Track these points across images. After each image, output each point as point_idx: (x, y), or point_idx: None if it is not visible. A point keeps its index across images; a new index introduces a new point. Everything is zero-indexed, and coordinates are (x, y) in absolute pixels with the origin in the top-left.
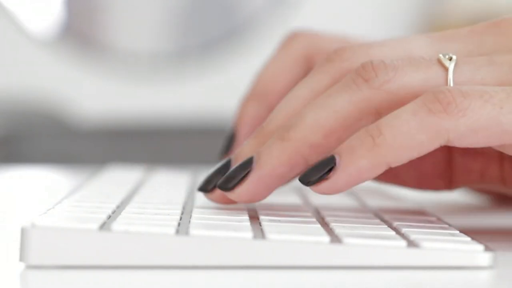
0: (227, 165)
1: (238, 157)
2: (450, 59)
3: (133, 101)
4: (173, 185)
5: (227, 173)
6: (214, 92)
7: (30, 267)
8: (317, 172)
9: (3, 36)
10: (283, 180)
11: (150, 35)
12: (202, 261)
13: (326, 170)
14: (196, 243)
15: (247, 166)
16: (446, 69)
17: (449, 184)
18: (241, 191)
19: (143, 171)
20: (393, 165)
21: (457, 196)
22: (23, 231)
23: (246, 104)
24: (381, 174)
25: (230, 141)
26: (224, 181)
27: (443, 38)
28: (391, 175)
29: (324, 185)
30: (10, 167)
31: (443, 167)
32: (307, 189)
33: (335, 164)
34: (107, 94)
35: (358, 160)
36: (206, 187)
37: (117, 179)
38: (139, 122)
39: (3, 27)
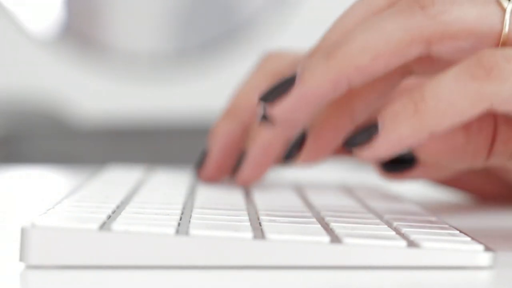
0: (293, 78)
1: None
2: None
3: (133, 101)
4: (173, 185)
5: (269, 87)
6: (214, 92)
7: (30, 267)
8: (362, 136)
9: (3, 36)
10: (324, 100)
11: (150, 35)
12: (202, 261)
13: (369, 135)
14: (196, 243)
15: (290, 81)
16: (503, 10)
17: (488, 155)
18: (282, 106)
19: (143, 171)
20: (435, 132)
21: (457, 196)
22: (23, 231)
23: (220, 122)
24: (451, 150)
25: (203, 157)
26: (266, 94)
27: None
28: (461, 151)
29: (366, 150)
30: (10, 167)
31: (492, 134)
32: (307, 189)
33: (377, 130)
34: (107, 94)
35: (399, 127)
36: (267, 97)
37: (117, 179)
38: (139, 122)
39: (3, 27)
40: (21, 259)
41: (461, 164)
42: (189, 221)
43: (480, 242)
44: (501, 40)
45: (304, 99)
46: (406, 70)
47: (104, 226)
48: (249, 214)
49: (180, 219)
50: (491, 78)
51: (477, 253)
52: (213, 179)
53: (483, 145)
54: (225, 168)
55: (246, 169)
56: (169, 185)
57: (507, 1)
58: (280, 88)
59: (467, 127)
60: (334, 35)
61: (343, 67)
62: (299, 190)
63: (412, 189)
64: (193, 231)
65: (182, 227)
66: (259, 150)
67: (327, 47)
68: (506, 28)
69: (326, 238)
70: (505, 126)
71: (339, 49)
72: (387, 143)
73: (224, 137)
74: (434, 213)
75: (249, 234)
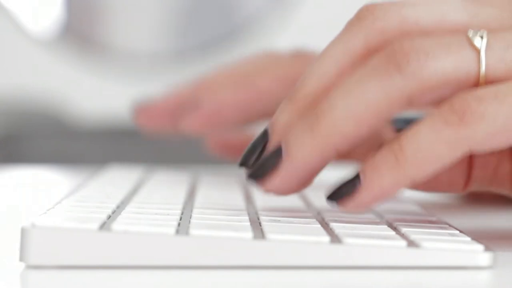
0: (264, 135)
1: (273, 125)
2: (481, 37)
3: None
4: (173, 185)
5: (257, 163)
6: None
7: (30, 267)
8: (343, 191)
9: (3, 36)
10: (314, 172)
11: (150, 35)
12: (202, 261)
13: (351, 189)
14: (196, 243)
15: (277, 155)
16: (477, 51)
17: (466, 182)
18: (274, 185)
19: (143, 171)
20: (417, 180)
21: (456, 196)
22: (23, 231)
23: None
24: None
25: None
26: (254, 172)
27: (477, 1)
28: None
29: (350, 203)
30: (10, 167)
31: (466, 160)
32: (307, 189)
33: (360, 182)
34: (107, 94)
35: (381, 179)
36: (246, 162)
37: (117, 179)
38: None
39: (3, 27)
40: (21, 259)
41: (440, 191)
42: (189, 221)
43: (480, 242)
44: (480, 81)
45: (294, 174)
46: None
47: (104, 226)
48: (249, 214)
49: (180, 219)
50: (464, 122)
51: (477, 253)
52: (150, 121)
53: (459, 172)
54: (166, 115)
55: (195, 119)
56: (169, 185)
57: (479, 40)
58: (267, 165)
59: None
60: (314, 78)
61: (329, 137)
62: None
63: None
64: (193, 231)
65: (182, 227)
66: (215, 105)
67: (309, 116)
68: (483, 68)
69: (326, 238)
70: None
71: (323, 120)
72: (370, 195)
73: (178, 90)
74: (434, 213)
75: (249, 234)
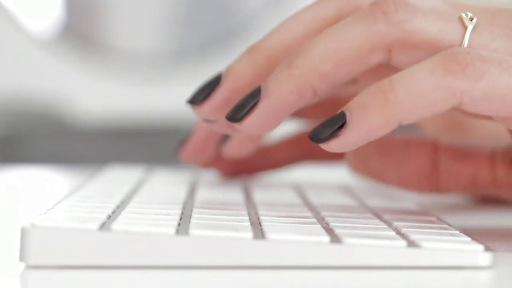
0: (217, 79)
1: (229, 72)
2: (471, 19)
3: (133, 101)
4: (173, 185)
5: (235, 104)
6: None
7: (30, 267)
8: (328, 129)
9: (3, 36)
10: (292, 110)
11: (150, 35)
12: (202, 261)
13: (336, 127)
14: (196, 243)
15: (255, 95)
16: (465, 28)
17: (436, 187)
18: (250, 122)
19: (143, 171)
20: (404, 123)
21: (456, 196)
22: (23, 231)
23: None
24: (365, 169)
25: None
26: (232, 112)
27: (458, 5)
28: (375, 172)
29: (334, 142)
30: (10, 167)
31: (427, 170)
32: (307, 189)
33: (345, 120)
34: (107, 94)
35: (369, 117)
36: (194, 100)
37: (117, 179)
38: (139, 122)
39: (3, 27)
40: (21, 259)
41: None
42: (189, 221)
43: (480, 242)
44: None
45: (271, 112)
46: None
47: (104, 226)
48: (249, 214)
49: (180, 219)
50: (465, 74)
51: (477, 253)
52: (192, 158)
53: (414, 174)
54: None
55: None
56: (169, 185)
57: (469, 21)
58: (245, 104)
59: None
60: (278, 36)
61: (306, 74)
62: (299, 190)
63: None
64: (193, 231)
65: (182, 227)
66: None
67: (288, 56)
68: (465, 45)
69: (326, 238)
70: (450, 160)
71: (301, 58)
72: (357, 135)
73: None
74: (434, 213)
75: (249, 234)
